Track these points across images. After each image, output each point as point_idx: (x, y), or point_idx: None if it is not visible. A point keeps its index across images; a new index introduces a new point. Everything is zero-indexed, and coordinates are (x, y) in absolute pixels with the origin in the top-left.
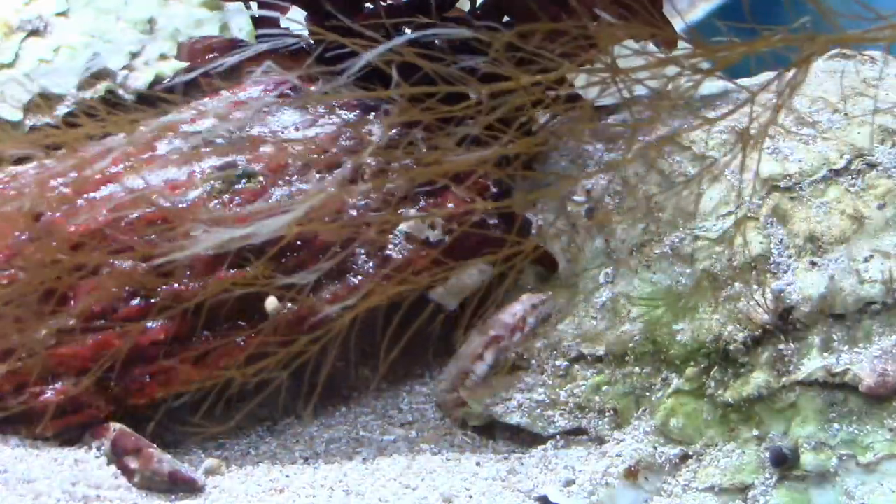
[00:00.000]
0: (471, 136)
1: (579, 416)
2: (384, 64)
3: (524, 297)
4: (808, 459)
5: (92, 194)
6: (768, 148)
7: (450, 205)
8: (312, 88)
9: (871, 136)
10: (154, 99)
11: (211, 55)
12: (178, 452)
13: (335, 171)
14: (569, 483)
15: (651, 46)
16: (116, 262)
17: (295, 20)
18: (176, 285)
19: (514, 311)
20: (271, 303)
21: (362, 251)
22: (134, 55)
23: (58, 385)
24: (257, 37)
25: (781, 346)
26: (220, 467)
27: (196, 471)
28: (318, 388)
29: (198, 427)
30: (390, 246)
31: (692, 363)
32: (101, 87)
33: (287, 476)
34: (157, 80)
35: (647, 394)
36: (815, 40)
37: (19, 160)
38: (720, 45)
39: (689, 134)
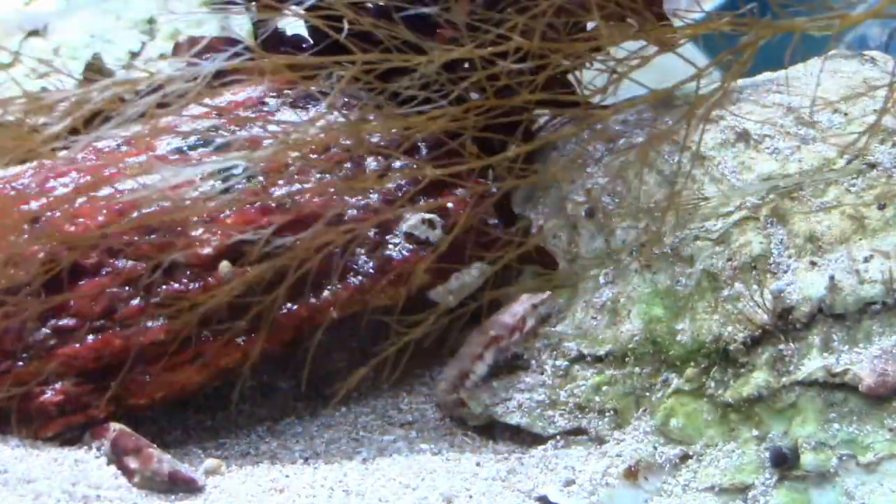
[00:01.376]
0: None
1: (579, 416)
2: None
3: (524, 297)
4: (808, 459)
5: (92, 194)
6: (768, 148)
7: (449, 205)
8: (313, 87)
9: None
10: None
11: (207, 55)
12: (178, 452)
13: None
14: (569, 483)
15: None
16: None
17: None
18: (176, 285)
19: (514, 311)
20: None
21: (362, 251)
22: (134, 55)
23: (58, 385)
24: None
25: (781, 346)
26: (220, 467)
27: (196, 471)
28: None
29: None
30: (390, 246)
31: (692, 363)
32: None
33: (287, 476)
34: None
35: (647, 394)
36: (759, 25)
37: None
38: (667, 28)
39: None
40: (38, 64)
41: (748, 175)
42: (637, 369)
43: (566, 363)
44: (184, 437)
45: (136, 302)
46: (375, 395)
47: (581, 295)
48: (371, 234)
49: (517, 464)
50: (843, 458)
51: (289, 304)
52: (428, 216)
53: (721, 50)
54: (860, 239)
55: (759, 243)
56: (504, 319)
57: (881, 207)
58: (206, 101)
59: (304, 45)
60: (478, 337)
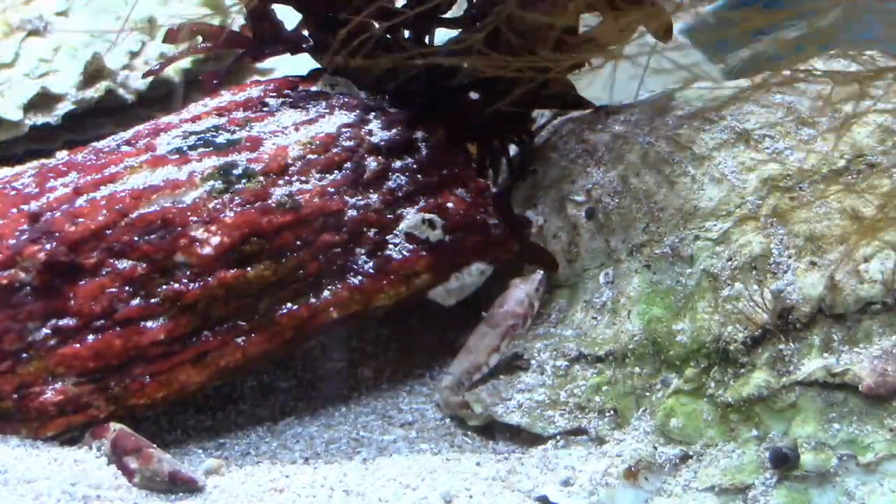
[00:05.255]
0: None
1: (579, 416)
2: None
3: (517, 282)
4: (808, 459)
5: (92, 194)
6: (768, 148)
7: (449, 205)
8: (313, 88)
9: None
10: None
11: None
12: (178, 452)
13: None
14: (569, 483)
15: (648, 37)
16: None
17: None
18: (177, 285)
19: (518, 297)
20: None
21: (362, 251)
22: (134, 54)
23: (58, 385)
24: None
25: (781, 346)
26: (220, 467)
27: (196, 471)
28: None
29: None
30: (390, 246)
31: (692, 363)
32: (101, 87)
33: (287, 476)
34: (158, 79)
35: (647, 394)
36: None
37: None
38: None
39: (690, 134)
40: (38, 63)
41: (748, 175)
42: (637, 369)
43: (566, 363)
44: (184, 437)
45: (136, 302)
46: (375, 395)
47: (581, 295)
48: (371, 234)
49: (517, 464)
50: (843, 458)
51: (289, 304)
52: (428, 216)
53: (718, 48)
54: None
55: (759, 243)
56: (513, 308)
57: (881, 207)
58: (206, 100)
59: (303, 45)
60: (491, 330)
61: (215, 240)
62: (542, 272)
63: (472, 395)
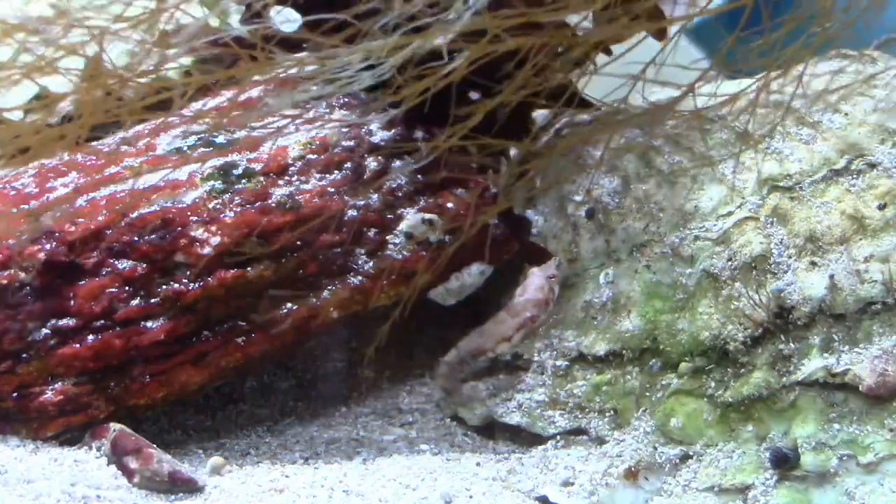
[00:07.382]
0: None
1: (579, 416)
2: None
3: (535, 270)
4: (808, 459)
5: (92, 194)
6: (769, 148)
7: (449, 205)
8: (313, 88)
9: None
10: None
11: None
12: (178, 452)
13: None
14: (569, 483)
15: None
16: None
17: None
18: (177, 285)
19: (537, 284)
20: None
21: (362, 251)
22: (134, 54)
23: (58, 385)
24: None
25: (781, 346)
26: (224, 465)
27: (196, 471)
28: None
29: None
30: (390, 246)
31: (692, 363)
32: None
33: (287, 476)
34: (158, 79)
35: (647, 394)
36: None
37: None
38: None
39: (690, 134)
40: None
41: (748, 175)
42: (637, 369)
43: (566, 363)
44: (184, 437)
45: (136, 302)
46: (375, 395)
47: (581, 295)
48: (371, 234)
49: (517, 464)
50: (843, 458)
51: (289, 304)
52: (428, 216)
53: (717, 46)
54: (860, 239)
55: (759, 243)
56: (534, 295)
57: (881, 207)
58: (207, 100)
59: (303, 45)
60: (509, 319)
61: (215, 240)
62: (556, 258)
63: (473, 394)
